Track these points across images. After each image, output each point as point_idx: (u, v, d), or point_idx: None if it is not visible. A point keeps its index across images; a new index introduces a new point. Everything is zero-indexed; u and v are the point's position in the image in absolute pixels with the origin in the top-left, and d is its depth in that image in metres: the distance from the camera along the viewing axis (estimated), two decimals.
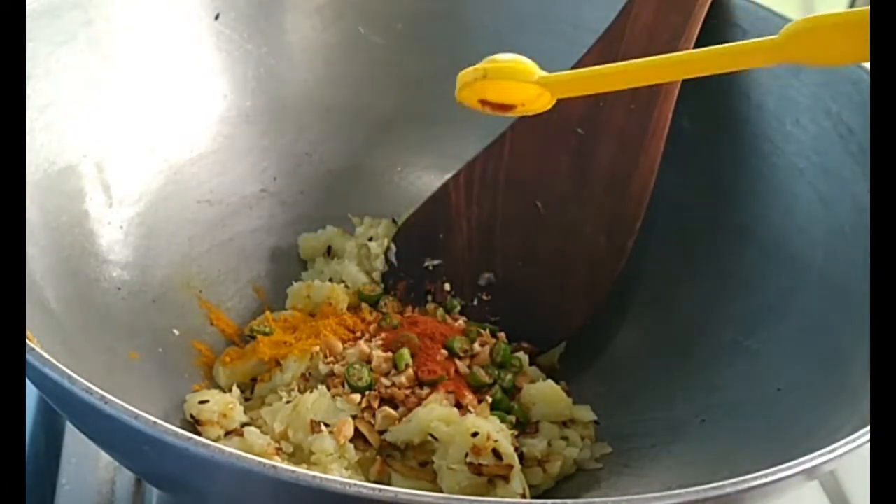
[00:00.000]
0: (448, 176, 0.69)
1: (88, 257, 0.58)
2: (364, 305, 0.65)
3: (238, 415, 0.57)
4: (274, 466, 0.35)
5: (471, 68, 0.46)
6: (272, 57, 0.69)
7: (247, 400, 0.60)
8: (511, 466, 0.52)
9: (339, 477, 0.38)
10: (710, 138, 0.64)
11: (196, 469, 0.38)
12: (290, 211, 0.70)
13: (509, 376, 0.60)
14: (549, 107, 0.47)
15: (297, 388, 0.58)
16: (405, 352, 0.59)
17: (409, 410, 0.56)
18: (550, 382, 0.60)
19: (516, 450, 0.55)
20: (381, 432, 0.56)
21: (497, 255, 0.66)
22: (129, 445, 0.41)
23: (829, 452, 0.40)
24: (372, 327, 0.62)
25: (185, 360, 0.61)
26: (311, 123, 0.71)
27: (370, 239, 0.69)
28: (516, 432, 0.58)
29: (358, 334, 0.61)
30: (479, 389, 0.59)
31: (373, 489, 0.35)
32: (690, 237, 0.65)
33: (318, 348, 0.59)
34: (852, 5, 1.08)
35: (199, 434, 0.53)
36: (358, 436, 0.55)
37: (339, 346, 0.59)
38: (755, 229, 0.61)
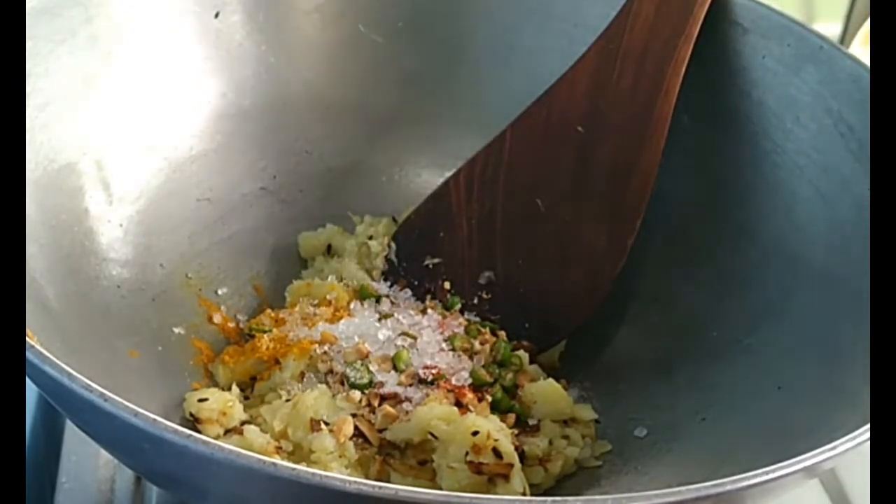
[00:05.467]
0: (448, 174, 0.69)
1: (88, 255, 0.58)
2: None
3: (237, 413, 0.57)
4: (274, 464, 0.35)
5: None
6: (272, 55, 0.69)
7: (246, 398, 0.60)
8: (511, 465, 0.52)
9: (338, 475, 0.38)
10: (711, 136, 0.64)
11: (196, 467, 0.38)
12: (289, 209, 0.70)
13: (510, 375, 0.60)
14: None
15: (296, 387, 0.58)
16: (404, 351, 0.58)
17: (410, 409, 0.56)
18: (551, 381, 0.60)
19: (517, 448, 0.55)
20: (381, 431, 0.55)
21: (497, 254, 0.66)
22: (129, 443, 0.41)
23: (830, 450, 0.40)
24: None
25: (184, 358, 0.61)
26: (311, 122, 0.71)
27: (370, 237, 0.69)
28: (517, 431, 0.58)
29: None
30: (479, 388, 0.59)
31: (373, 486, 0.35)
32: (691, 235, 0.65)
33: (317, 346, 0.59)
34: (853, 5, 1.08)
35: (198, 432, 0.53)
36: (358, 434, 0.55)
37: (340, 344, 0.59)
38: (755, 227, 0.61)
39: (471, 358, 0.60)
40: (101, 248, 0.59)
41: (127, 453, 0.46)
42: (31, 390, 0.64)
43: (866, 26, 0.93)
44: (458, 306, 0.65)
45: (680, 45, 0.60)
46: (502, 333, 0.63)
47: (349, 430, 0.54)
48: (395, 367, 0.58)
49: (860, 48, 0.91)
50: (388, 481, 0.54)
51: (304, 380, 0.58)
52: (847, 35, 1.08)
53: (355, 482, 0.35)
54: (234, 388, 0.59)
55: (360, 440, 0.55)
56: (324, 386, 0.57)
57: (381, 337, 0.60)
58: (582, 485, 0.57)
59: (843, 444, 0.40)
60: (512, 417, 0.58)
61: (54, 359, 0.39)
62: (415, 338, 0.60)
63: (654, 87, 0.61)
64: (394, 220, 0.70)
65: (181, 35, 0.65)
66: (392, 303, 0.65)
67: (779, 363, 0.56)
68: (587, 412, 0.60)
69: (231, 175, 0.68)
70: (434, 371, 0.58)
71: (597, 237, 0.63)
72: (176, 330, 0.62)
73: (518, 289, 0.66)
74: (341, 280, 0.66)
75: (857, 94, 0.56)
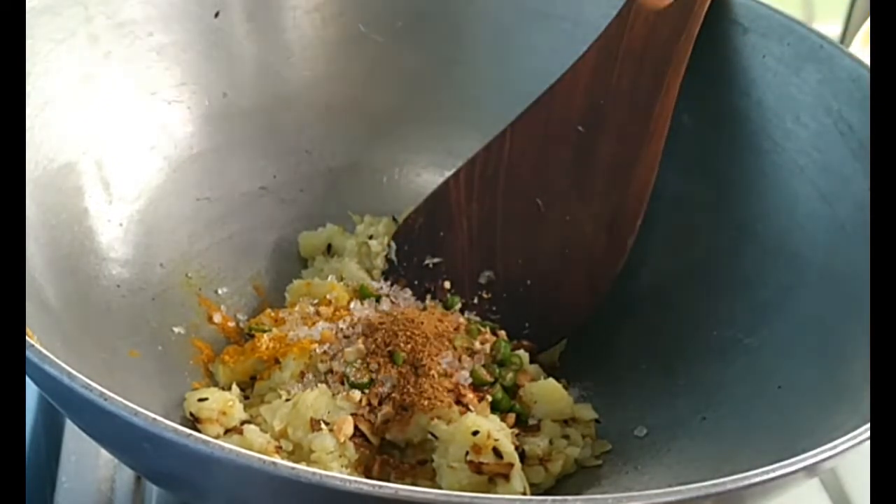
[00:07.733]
0: (448, 174, 0.69)
1: (88, 255, 0.58)
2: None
3: (237, 412, 0.57)
4: (274, 463, 0.35)
5: None
6: (272, 55, 0.69)
7: (246, 398, 0.60)
8: (511, 465, 0.52)
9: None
10: (711, 136, 0.64)
11: (196, 466, 0.38)
12: (289, 209, 0.70)
13: (510, 374, 0.60)
14: None
15: (296, 386, 0.58)
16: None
17: (410, 408, 0.56)
18: (551, 380, 0.60)
19: (517, 448, 0.55)
20: (381, 430, 0.55)
21: (497, 253, 0.66)
22: (129, 442, 0.41)
23: (830, 450, 0.40)
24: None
25: (184, 357, 0.61)
26: (311, 121, 0.71)
27: (370, 237, 0.69)
28: (517, 431, 0.58)
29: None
30: (479, 387, 0.59)
31: (373, 486, 0.35)
32: (691, 235, 0.65)
33: (317, 346, 0.59)
34: (853, 5, 1.08)
35: (198, 432, 0.53)
36: (358, 434, 0.55)
37: (340, 343, 0.59)
38: (755, 227, 0.61)
39: (471, 357, 0.60)
40: (100, 247, 0.59)
41: (127, 453, 0.46)
42: (31, 390, 0.64)
43: (866, 26, 0.93)
44: (458, 306, 0.65)
45: (680, 44, 0.60)
46: (502, 333, 0.63)
47: (349, 429, 0.54)
48: (394, 366, 0.58)
49: (860, 48, 0.91)
50: (389, 481, 0.54)
51: (304, 379, 0.58)
52: (847, 35, 1.08)
53: (355, 481, 0.35)
54: (234, 388, 0.59)
55: (360, 440, 0.55)
56: (324, 385, 0.57)
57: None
58: (582, 484, 0.57)
59: (843, 444, 0.40)
60: (512, 417, 0.58)
61: (54, 358, 0.39)
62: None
63: (654, 86, 0.61)
64: (394, 219, 0.70)
65: (181, 35, 0.65)
66: (392, 302, 0.65)
67: (779, 363, 0.56)
68: (587, 412, 0.60)
69: (231, 174, 0.68)
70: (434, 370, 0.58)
71: (597, 236, 0.63)
72: (176, 329, 0.62)
73: (518, 288, 0.66)
74: (341, 280, 0.66)
75: (857, 93, 0.56)
